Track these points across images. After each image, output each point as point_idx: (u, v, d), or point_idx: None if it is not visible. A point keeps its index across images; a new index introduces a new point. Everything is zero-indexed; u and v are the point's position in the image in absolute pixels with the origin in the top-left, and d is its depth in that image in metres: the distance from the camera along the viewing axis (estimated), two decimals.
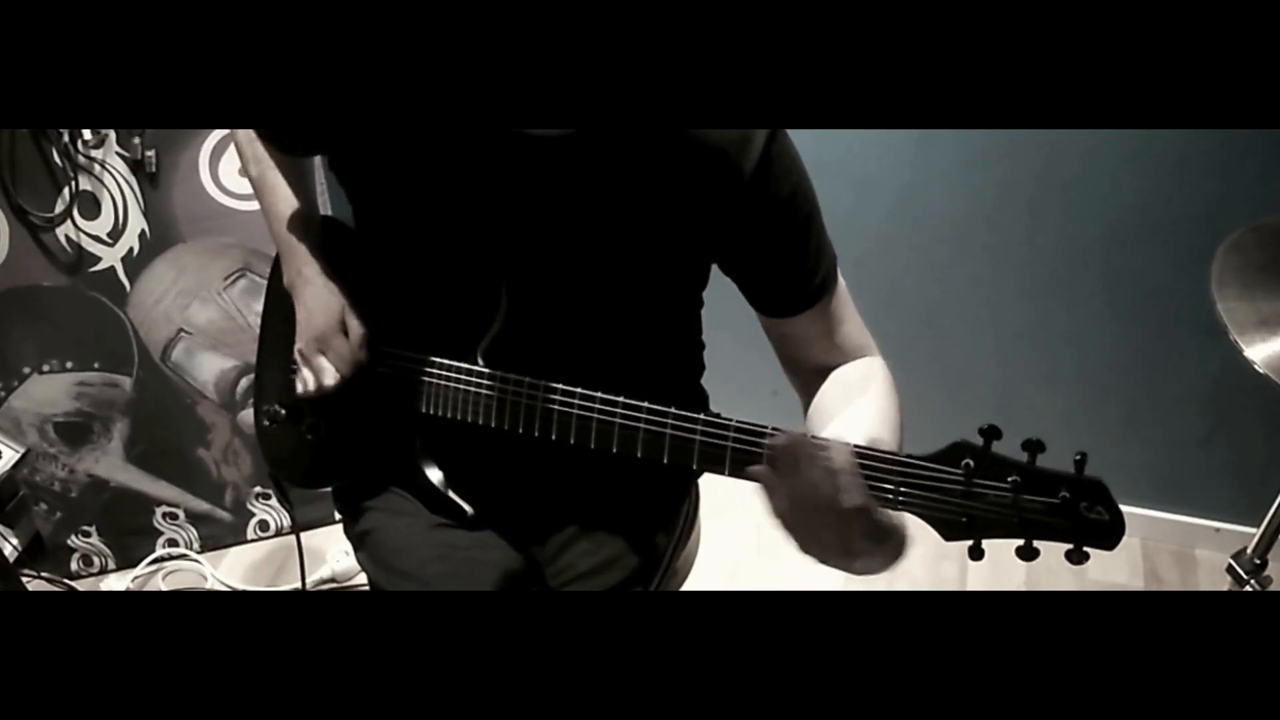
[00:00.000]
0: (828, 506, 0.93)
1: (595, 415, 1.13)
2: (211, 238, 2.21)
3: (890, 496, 0.95)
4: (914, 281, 2.27)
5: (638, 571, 1.36)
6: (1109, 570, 2.33)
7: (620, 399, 1.11)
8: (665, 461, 1.10)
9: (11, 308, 2.15)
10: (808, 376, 1.25)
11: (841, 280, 1.24)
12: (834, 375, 1.23)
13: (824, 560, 0.97)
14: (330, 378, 1.26)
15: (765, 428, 1.03)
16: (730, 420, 1.05)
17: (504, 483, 1.33)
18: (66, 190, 2.07)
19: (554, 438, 1.17)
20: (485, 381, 1.21)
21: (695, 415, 1.07)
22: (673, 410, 1.09)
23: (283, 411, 1.38)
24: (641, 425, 1.10)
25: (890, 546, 0.97)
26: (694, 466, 1.08)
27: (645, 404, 1.10)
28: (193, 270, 2.22)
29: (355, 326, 1.28)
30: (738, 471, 1.05)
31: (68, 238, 2.13)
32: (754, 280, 1.22)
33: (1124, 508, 0.91)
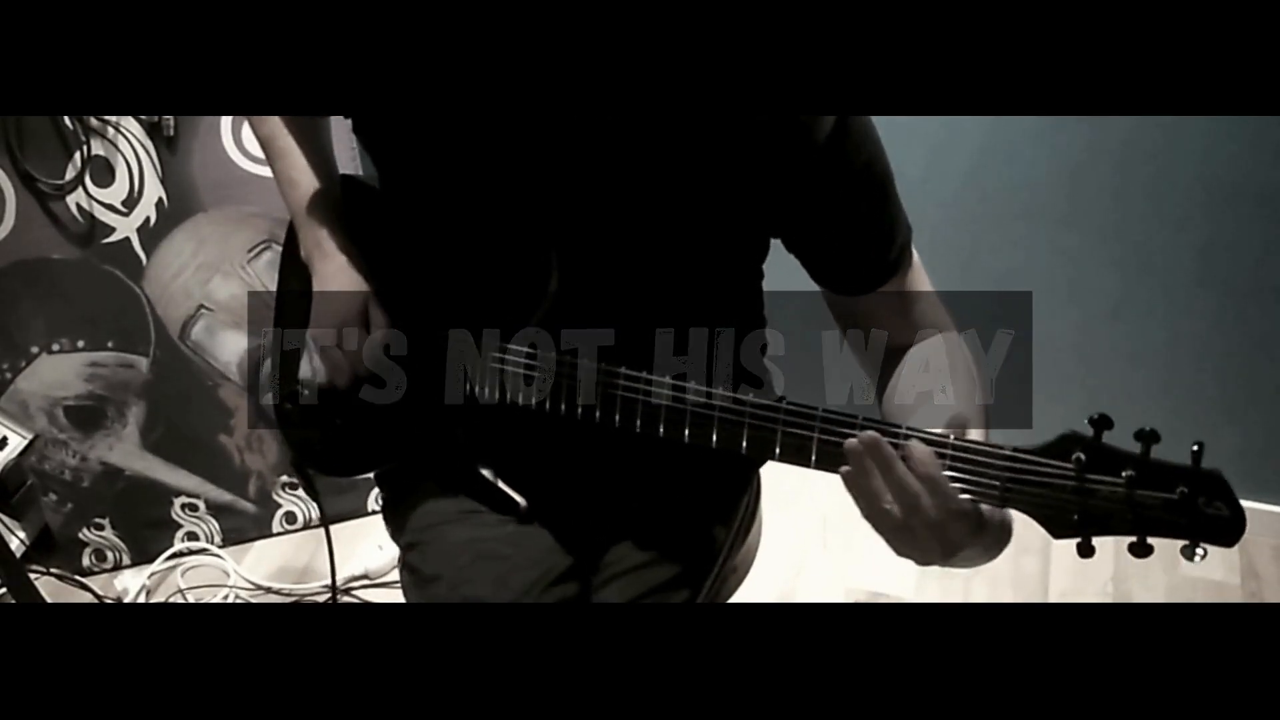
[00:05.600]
0: (914, 509, 0.92)
1: (664, 403, 1.08)
2: (234, 206, 2.15)
3: (997, 493, 0.92)
4: (990, 252, 2.20)
5: (692, 566, 1.31)
6: (1204, 565, 2.20)
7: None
8: (744, 452, 1.05)
9: (18, 282, 2.10)
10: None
11: (915, 253, 1.21)
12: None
13: (922, 562, 0.96)
14: (341, 376, 1.22)
15: (855, 418, 0.98)
16: (815, 409, 1.01)
17: (550, 470, 1.29)
18: (78, 155, 2.02)
19: (617, 425, 1.11)
20: (534, 362, 1.15)
21: (777, 404, 1.03)
22: (750, 398, 1.04)
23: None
24: (716, 414, 1.06)
25: (990, 539, 0.96)
26: (776, 457, 1.03)
27: (719, 391, 1.05)
28: (214, 241, 2.17)
29: (378, 319, 1.23)
30: (824, 465, 1.00)
31: (79, 206, 2.08)
32: (824, 256, 1.18)
33: None
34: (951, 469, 0.93)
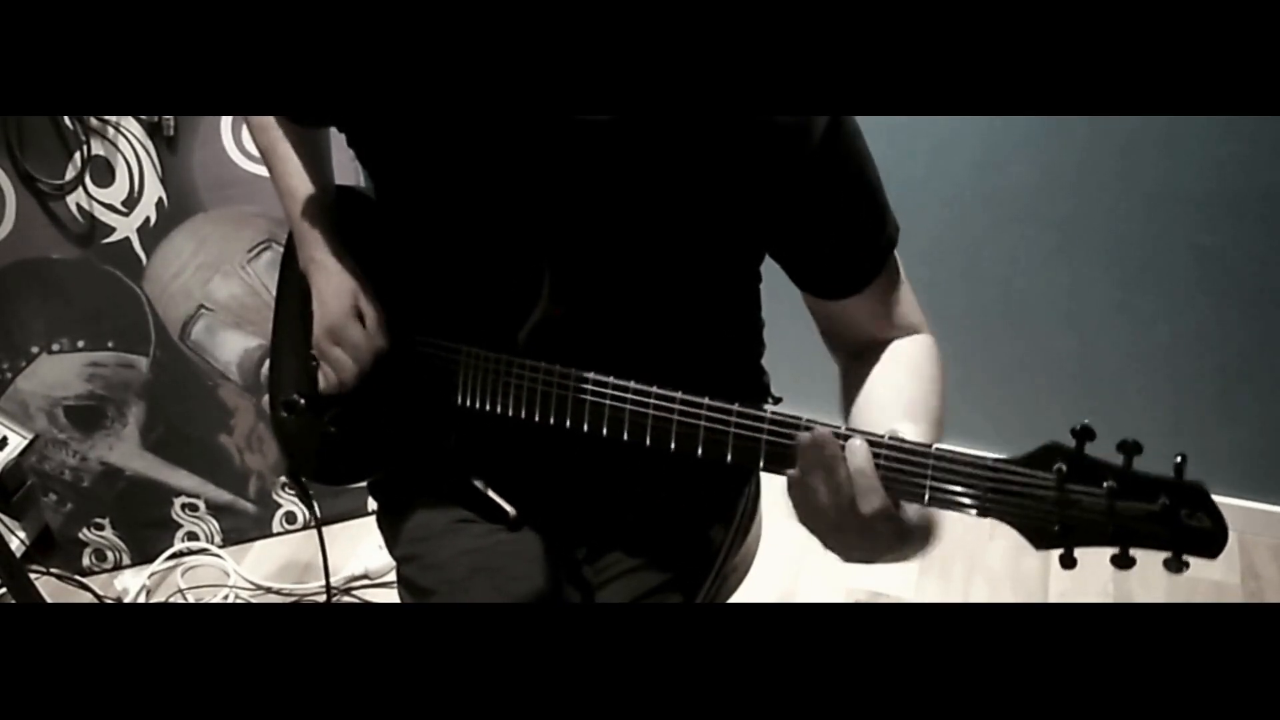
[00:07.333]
0: (849, 508, 0.94)
1: (650, 411, 1.07)
2: (234, 206, 2.15)
3: (978, 503, 0.93)
4: (991, 254, 2.18)
5: (691, 567, 1.31)
6: (1204, 566, 2.18)
7: (677, 394, 1.07)
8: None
9: (19, 282, 2.10)
10: (855, 351, 1.21)
11: (895, 254, 1.20)
12: (886, 358, 1.18)
13: (847, 558, 0.99)
14: (347, 371, 1.21)
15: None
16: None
17: (544, 476, 1.28)
18: (78, 155, 2.02)
19: (605, 434, 1.11)
20: (527, 372, 1.15)
21: (730, 406, 1.05)
22: (736, 407, 1.04)
23: (301, 401, 1.32)
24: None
25: (916, 540, 0.98)
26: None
27: (705, 400, 1.05)
28: (214, 241, 2.16)
29: (370, 311, 1.22)
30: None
31: (79, 206, 2.07)
32: (810, 262, 1.17)
33: (1218, 499, 0.86)
34: (932, 479, 0.93)
